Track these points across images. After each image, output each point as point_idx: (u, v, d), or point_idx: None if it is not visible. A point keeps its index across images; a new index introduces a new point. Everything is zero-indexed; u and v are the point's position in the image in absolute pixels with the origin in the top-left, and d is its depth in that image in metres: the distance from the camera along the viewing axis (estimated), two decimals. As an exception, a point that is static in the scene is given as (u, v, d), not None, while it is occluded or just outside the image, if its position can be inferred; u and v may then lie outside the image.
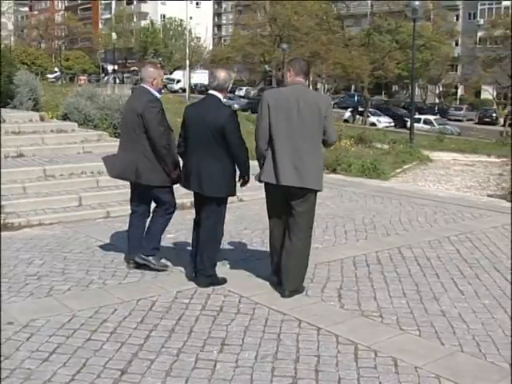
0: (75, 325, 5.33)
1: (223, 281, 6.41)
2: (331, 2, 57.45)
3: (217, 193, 6.16)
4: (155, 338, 5.11)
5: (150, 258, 6.76)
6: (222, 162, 6.11)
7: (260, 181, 6.14)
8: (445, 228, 9.18)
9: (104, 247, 7.73)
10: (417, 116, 44.98)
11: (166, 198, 6.79)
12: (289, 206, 6.08)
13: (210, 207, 6.26)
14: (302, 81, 6.12)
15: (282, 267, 6.14)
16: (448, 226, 9.34)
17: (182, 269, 6.87)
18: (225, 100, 6.30)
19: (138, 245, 6.85)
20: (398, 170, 20.59)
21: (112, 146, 12.70)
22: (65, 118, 16.42)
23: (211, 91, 6.22)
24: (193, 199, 6.62)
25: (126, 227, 8.52)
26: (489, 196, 14.54)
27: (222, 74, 6.16)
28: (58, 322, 5.38)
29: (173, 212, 6.90)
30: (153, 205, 6.95)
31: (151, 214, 6.95)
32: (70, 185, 10.07)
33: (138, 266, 6.83)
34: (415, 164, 22.77)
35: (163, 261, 6.98)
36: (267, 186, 6.16)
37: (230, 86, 6.32)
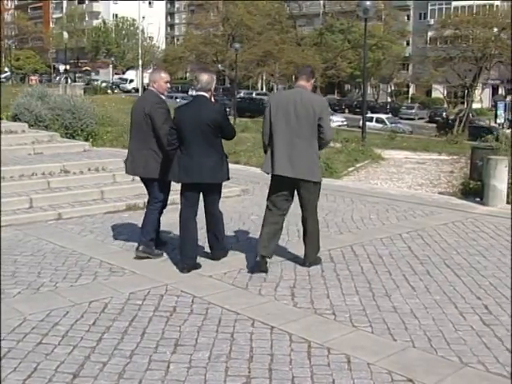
0: (26, 329, 5.25)
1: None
2: (284, 1, 57.71)
3: (220, 179, 6.92)
4: (108, 340, 5.07)
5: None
6: (220, 152, 6.86)
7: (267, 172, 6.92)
8: (396, 225, 9.29)
9: (55, 249, 7.64)
10: (369, 115, 45.43)
11: (159, 191, 7.32)
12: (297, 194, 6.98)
13: (213, 194, 7.00)
14: (303, 84, 6.87)
15: (304, 242, 7.23)
16: (400, 223, 9.46)
17: (136, 270, 6.83)
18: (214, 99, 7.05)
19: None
20: (351, 169, 20.68)
21: (64, 146, 12.61)
22: (15, 118, 16.17)
23: (199, 92, 6.91)
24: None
25: (77, 229, 8.50)
26: (440, 193, 14.68)
27: (204, 78, 6.86)
28: (9, 326, 5.29)
29: (163, 205, 7.45)
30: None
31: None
32: (20, 186, 9.92)
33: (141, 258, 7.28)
34: (367, 162, 22.88)
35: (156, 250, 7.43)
36: (273, 176, 6.89)
37: (213, 85, 6.96)
